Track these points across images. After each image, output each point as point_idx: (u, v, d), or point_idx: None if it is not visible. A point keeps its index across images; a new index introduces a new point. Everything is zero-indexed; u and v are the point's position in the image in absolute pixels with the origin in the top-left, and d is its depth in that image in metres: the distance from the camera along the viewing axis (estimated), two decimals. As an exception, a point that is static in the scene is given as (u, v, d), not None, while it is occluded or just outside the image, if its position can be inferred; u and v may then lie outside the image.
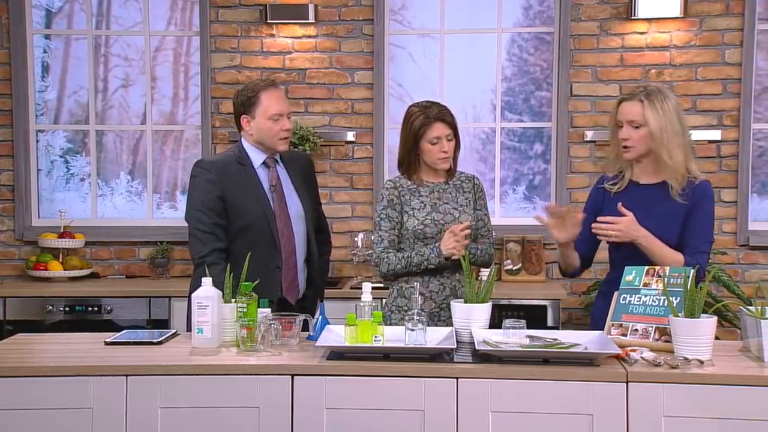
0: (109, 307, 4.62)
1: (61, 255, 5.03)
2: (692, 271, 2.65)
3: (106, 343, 2.89)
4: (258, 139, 3.37)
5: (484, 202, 3.37)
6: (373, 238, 3.36)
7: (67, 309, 4.63)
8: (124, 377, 2.58)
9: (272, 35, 5.11)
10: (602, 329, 2.86)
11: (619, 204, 3.00)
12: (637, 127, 3.01)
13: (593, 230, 3.01)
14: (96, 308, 4.62)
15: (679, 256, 2.96)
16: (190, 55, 5.38)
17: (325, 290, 3.72)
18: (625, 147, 3.06)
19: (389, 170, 5.15)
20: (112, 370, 2.60)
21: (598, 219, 3.01)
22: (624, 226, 2.95)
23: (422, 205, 3.25)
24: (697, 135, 4.82)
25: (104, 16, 5.38)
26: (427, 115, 3.20)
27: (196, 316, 2.81)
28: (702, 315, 2.57)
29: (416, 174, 3.30)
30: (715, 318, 2.60)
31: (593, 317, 3.23)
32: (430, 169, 3.29)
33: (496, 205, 5.19)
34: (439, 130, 3.19)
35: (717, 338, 2.65)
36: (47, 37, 5.39)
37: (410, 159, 3.28)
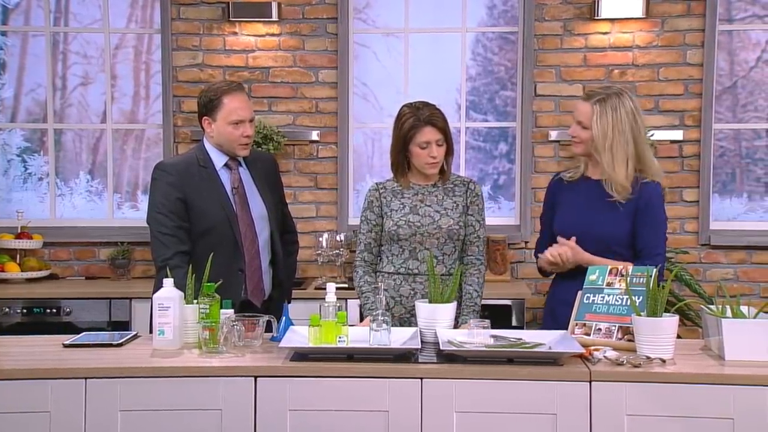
0: (68, 309, 4.54)
1: (18, 256, 4.94)
2: (654, 270, 2.68)
3: (65, 346, 2.83)
4: (218, 142, 3.33)
5: (477, 207, 3.26)
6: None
7: (25, 311, 4.53)
8: (83, 380, 2.53)
9: (235, 33, 5.07)
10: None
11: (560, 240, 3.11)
12: (584, 128, 3.10)
13: (544, 264, 3.16)
14: (55, 310, 4.54)
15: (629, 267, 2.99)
16: (151, 53, 5.31)
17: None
18: (573, 142, 3.18)
19: (354, 170, 5.14)
20: (71, 372, 2.55)
21: (547, 253, 3.11)
22: (570, 249, 3.06)
23: (401, 206, 3.22)
24: (659, 135, 4.88)
25: (62, 12, 5.29)
26: (418, 118, 3.14)
27: (158, 317, 2.77)
28: (664, 314, 2.59)
29: (405, 176, 3.25)
30: (677, 317, 2.62)
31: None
32: (419, 172, 3.24)
33: (460, 204, 5.19)
34: (428, 134, 3.13)
35: (679, 337, 2.67)
36: (4, 34, 5.29)
37: (400, 160, 3.23)
